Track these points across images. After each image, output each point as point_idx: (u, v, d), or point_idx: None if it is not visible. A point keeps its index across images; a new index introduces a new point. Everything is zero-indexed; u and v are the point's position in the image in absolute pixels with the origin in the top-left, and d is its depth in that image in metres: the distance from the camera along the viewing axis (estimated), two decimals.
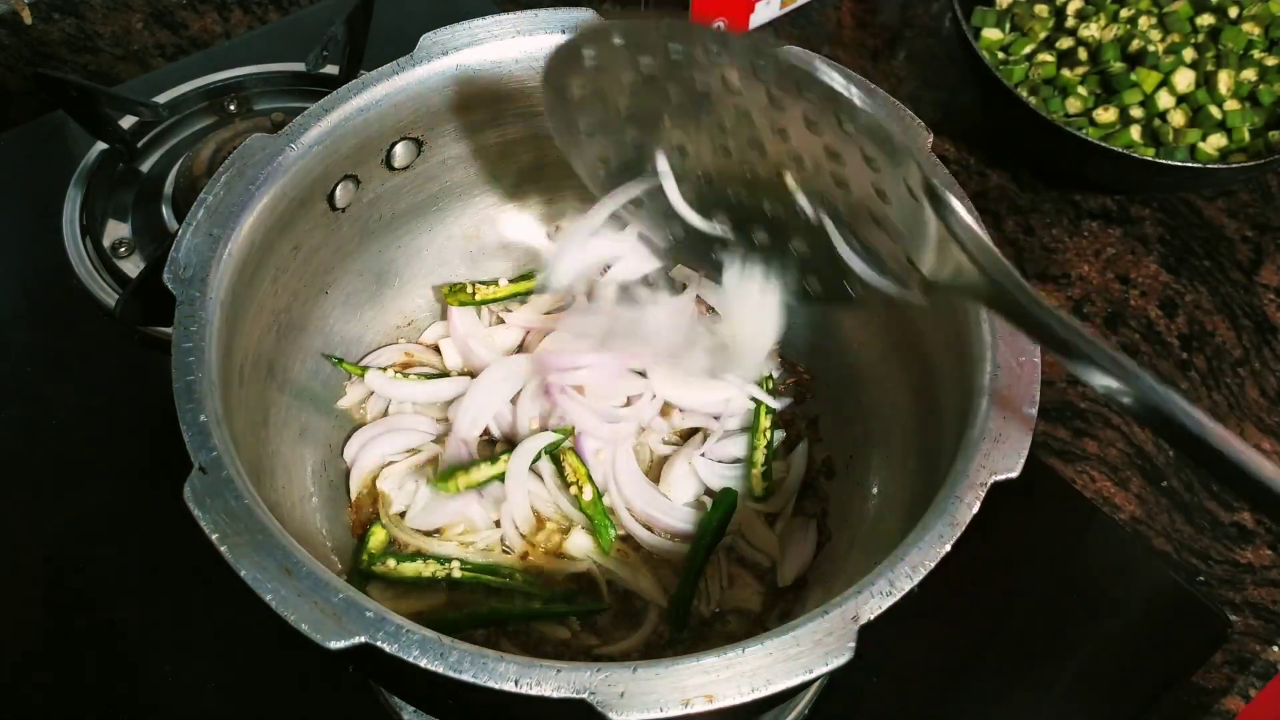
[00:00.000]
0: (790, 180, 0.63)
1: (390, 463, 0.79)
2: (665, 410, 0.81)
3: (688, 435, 0.82)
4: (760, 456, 0.80)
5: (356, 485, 0.78)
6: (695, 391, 0.80)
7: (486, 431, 0.81)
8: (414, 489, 0.77)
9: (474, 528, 0.76)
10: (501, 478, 0.76)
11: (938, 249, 0.58)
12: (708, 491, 0.79)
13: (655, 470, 0.80)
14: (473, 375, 0.82)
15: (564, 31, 0.74)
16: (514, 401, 0.81)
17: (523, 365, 0.81)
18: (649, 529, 0.77)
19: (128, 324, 0.93)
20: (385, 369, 0.82)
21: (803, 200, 0.63)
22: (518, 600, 0.73)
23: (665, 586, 0.75)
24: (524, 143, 0.80)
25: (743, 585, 0.76)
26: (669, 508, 0.77)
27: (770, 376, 0.84)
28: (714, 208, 0.69)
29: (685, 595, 0.74)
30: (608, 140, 0.68)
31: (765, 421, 0.81)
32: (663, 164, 0.67)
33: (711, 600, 0.75)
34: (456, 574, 0.73)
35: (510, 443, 0.79)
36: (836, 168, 0.60)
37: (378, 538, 0.75)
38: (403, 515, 0.77)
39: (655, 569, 0.76)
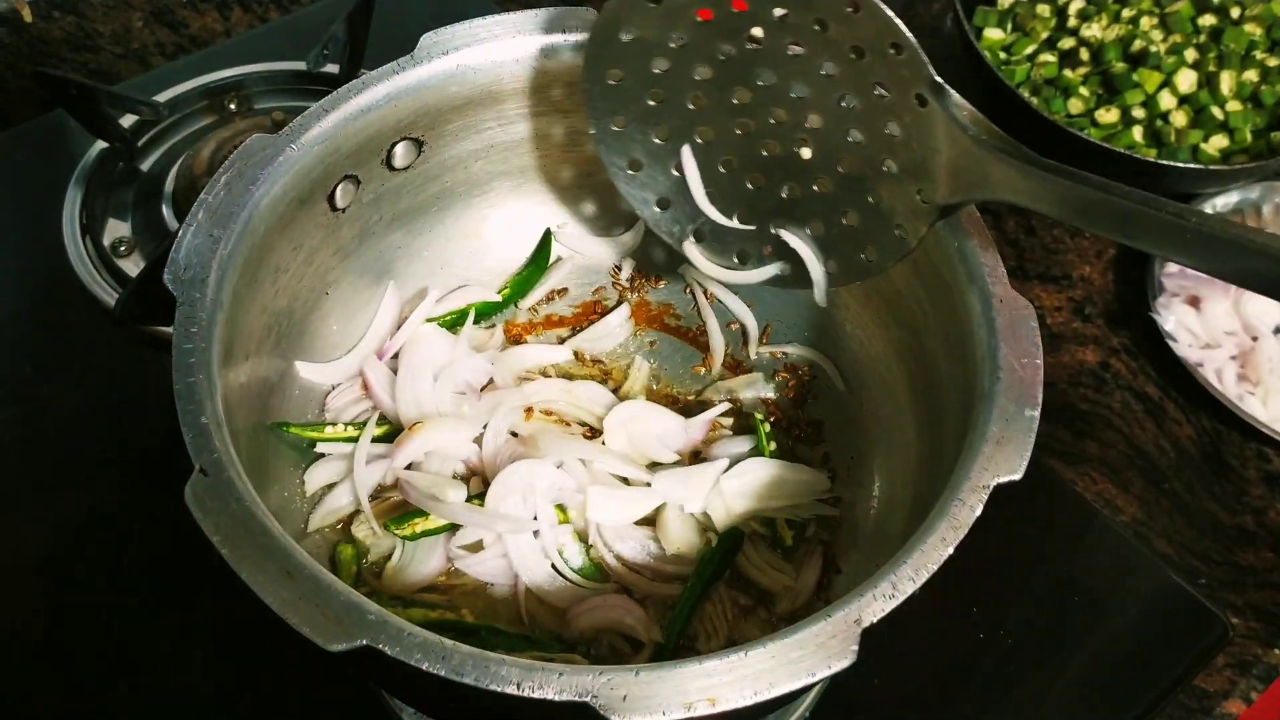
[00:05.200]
0: (807, 151, 0.67)
1: (358, 510, 0.76)
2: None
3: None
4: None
5: (317, 523, 0.75)
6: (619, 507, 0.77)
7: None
8: (391, 539, 0.75)
9: (462, 579, 0.74)
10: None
11: (949, 159, 0.62)
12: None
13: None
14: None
15: (564, 31, 0.74)
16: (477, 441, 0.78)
17: (481, 407, 0.80)
18: (640, 574, 0.75)
19: (127, 323, 0.93)
20: (339, 427, 0.78)
21: (819, 163, 0.68)
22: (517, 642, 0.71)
23: (659, 621, 0.73)
24: (525, 142, 0.80)
25: (752, 616, 0.74)
26: (660, 554, 0.75)
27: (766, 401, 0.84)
28: (735, 203, 0.72)
29: (677, 630, 0.72)
30: (638, 135, 0.71)
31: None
32: (689, 161, 0.71)
33: (719, 635, 0.73)
34: (469, 619, 0.72)
35: (483, 478, 0.77)
36: (851, 106, 0.65)
37: (346, 554, 0.74)
38: (383, 562, 0.75)
39: (648, 605, 0.74)
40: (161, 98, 1.06)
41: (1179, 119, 1.09)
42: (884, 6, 0.61)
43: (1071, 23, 1.16)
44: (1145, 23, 1.13)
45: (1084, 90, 1.11)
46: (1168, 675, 0.84)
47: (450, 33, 0.73)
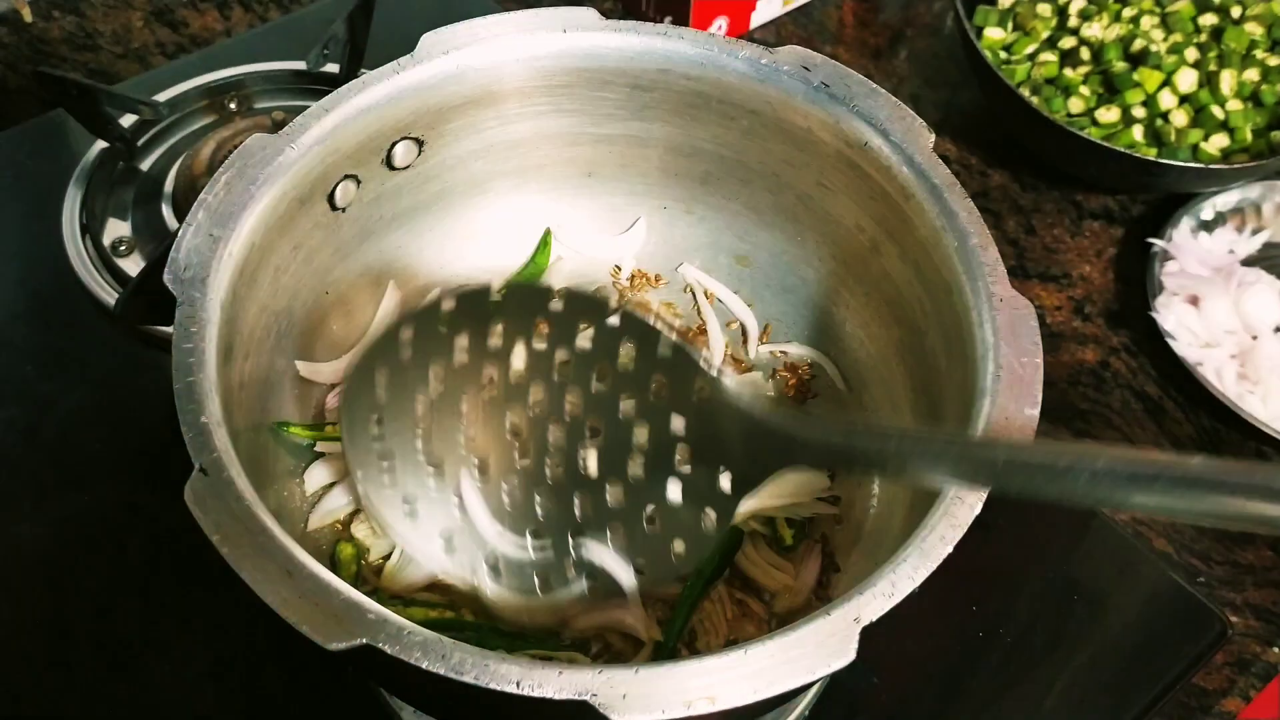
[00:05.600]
0: (593, 463, 0.65)
1: (358, 510, 0.75)
2: None
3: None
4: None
5: (316, 522, 0.74)
6: None
7: None
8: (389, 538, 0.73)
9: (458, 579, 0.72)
10: None
11: (741, 441, 0.61)
12: None
13: None
14: None
15: (565, 30, 0.74)
16: None
17: None
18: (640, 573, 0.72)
19: (127, 323, 0.93)
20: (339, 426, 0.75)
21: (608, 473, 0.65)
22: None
23: (659, 620, 0.72)
24: (525, 142, 0.80)
25: (751, 615, 0.73)
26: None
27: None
28: (525, 526, 0.67)
29: (677, 629, 0.71)
30: (408, 476, 0.66)
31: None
32: (470, 496, 0.66)
33: (719, 633, 0.72)
34: (469, 618, 0.70)
35: None
36: (627, 412, 0.64)
37: (346, 553, 0.74)
38: (383, 562, 0.74)
39: (647, 604, 0.72)
40: (161, 98, 1.06)
41: (1179, 118, 1.09)
42: (646, 319, 0.62)
43: (1072, 22, 1.16)
44: (1146, 22, 1.13)
45: (1084, 89, 1.11)
46: (1167, 674, 0.84)
47: (450, 33, 0.73)
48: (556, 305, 0.63)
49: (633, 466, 0.65)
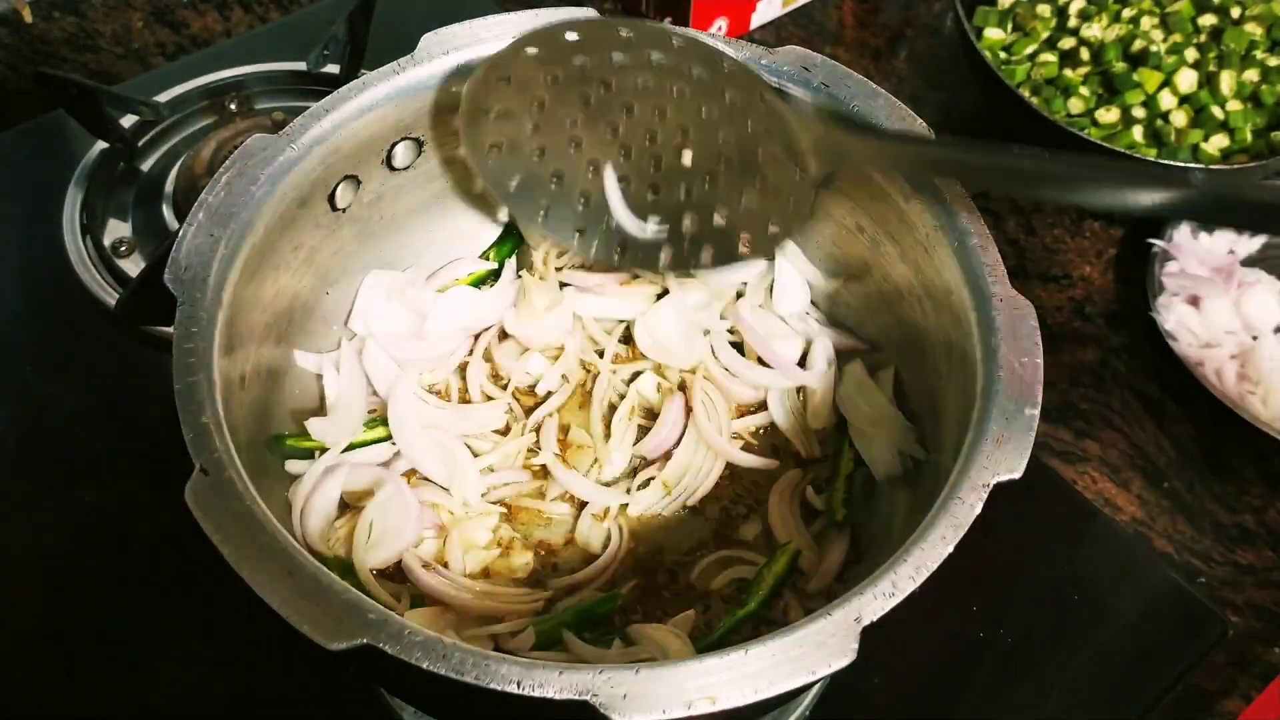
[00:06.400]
0: (689, 156, 0.71)
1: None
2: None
3: None
4: (842, 484, 0.77)
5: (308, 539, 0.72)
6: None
7: None
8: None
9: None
10: None
11: (810, 143, 0.71)
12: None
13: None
14: None
15: (564, 31, 0.73)
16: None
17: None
18: None
19: (128, 324, 0.93)
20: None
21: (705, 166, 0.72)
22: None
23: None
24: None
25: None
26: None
27: None
28: (645, 214, 0.72)
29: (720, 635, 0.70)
30: (536, 186, 0.71)
31: (849, 452, 0.78)
32: (610, 182, 0.71)
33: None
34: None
35: None
36: (712, 114, 0.71)
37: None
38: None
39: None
40: (162, 98, 1.06)
41: (1179, 119, 1.09)
42: (703, 38, 0.71)
43: (1072, 22, 1.16)
44: (1145, 22, 1.13)
45: (1084, 90, 1.11)
46: (1167, 674, 0.84)
47: (450, 33, 0.73)
48: (626, 33, 0.70)
49: (724, 160, 0.71)
